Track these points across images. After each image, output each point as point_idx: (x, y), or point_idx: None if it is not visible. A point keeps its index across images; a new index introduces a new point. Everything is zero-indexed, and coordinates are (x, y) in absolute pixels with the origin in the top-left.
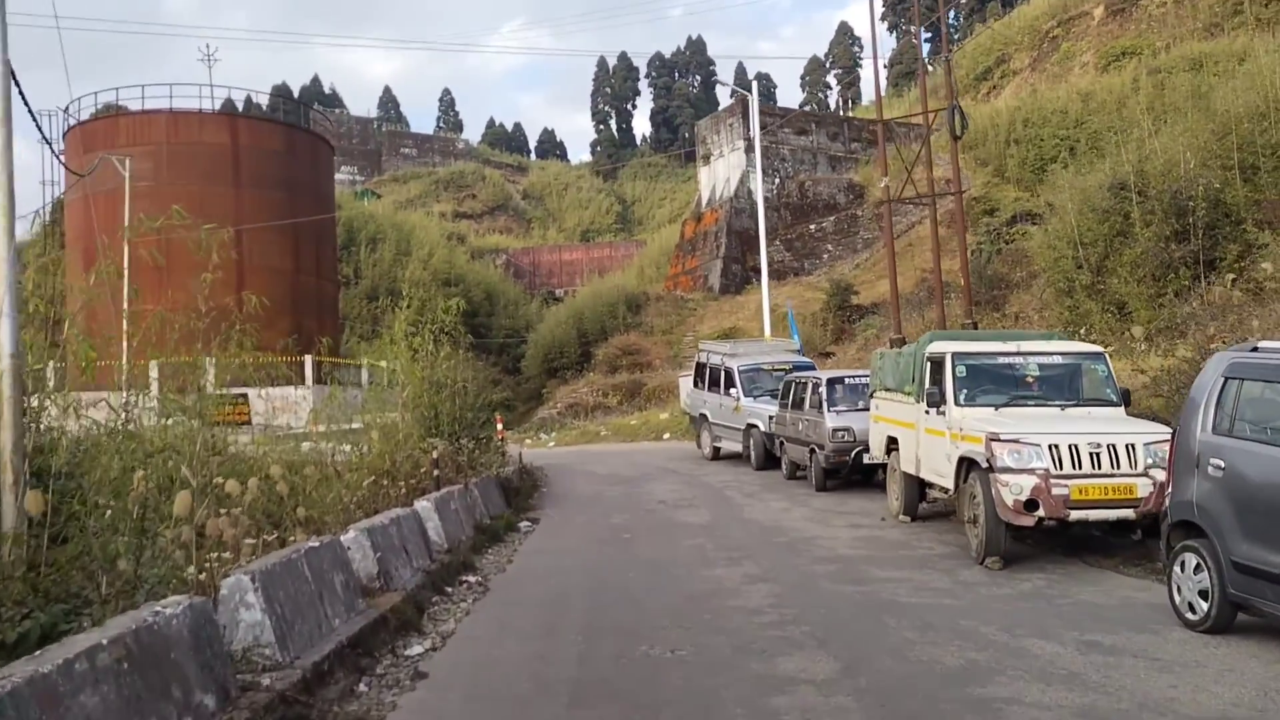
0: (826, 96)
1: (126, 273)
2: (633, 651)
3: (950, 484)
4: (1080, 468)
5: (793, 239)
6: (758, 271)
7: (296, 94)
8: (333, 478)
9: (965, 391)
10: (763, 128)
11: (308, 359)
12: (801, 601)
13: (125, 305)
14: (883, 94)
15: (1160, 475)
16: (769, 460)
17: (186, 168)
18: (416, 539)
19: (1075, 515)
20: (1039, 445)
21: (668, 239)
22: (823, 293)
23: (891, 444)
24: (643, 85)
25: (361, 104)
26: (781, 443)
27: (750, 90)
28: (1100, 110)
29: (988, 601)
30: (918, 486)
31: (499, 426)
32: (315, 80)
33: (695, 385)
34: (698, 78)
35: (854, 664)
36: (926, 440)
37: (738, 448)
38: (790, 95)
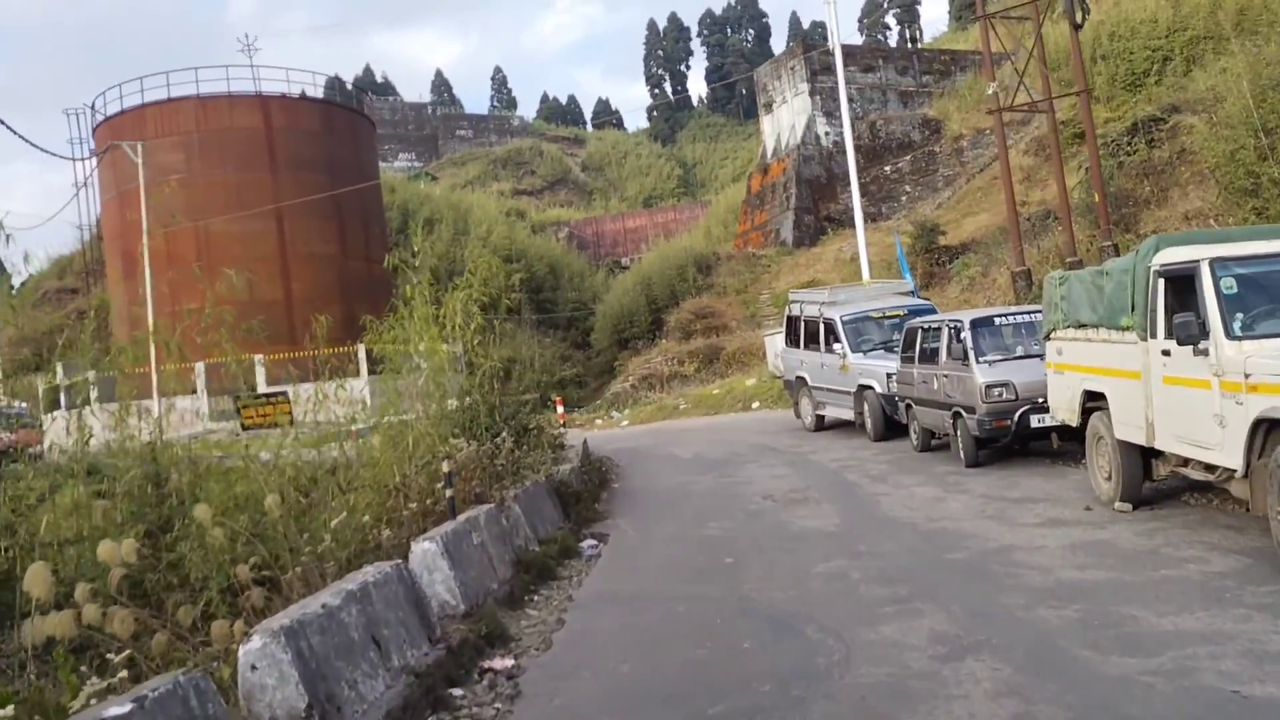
0: (887, 38)
1: (148, 271)
2: None
3: (1231, 459)
4: None
5: (866, 183)
6: (832, 221)
7: (350, 85)
8: (328, 500)
9: (1241, 317)
10: (825, 68)
11: (361, 348)
12: (1073, 708)
13: (149, 306)
14: (946, 28)
15: None
16: (890, 428)
17: (219, 155)
18: (402, 615)
19: None
20: None
21: (734, 197)
22: (906, 235)
23: (1091, 401)
24: (695, 45)
25: (414, 90)
26: (908, 406)
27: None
28: (1195, 14)
29: None
30: (1141, 460)
31: (560, 410)
32: (367, 70)
33: (788, 344)
34: (751, 32)
35: None
36: (1168, 394)
37: (847, 415)
38: (849, 40)
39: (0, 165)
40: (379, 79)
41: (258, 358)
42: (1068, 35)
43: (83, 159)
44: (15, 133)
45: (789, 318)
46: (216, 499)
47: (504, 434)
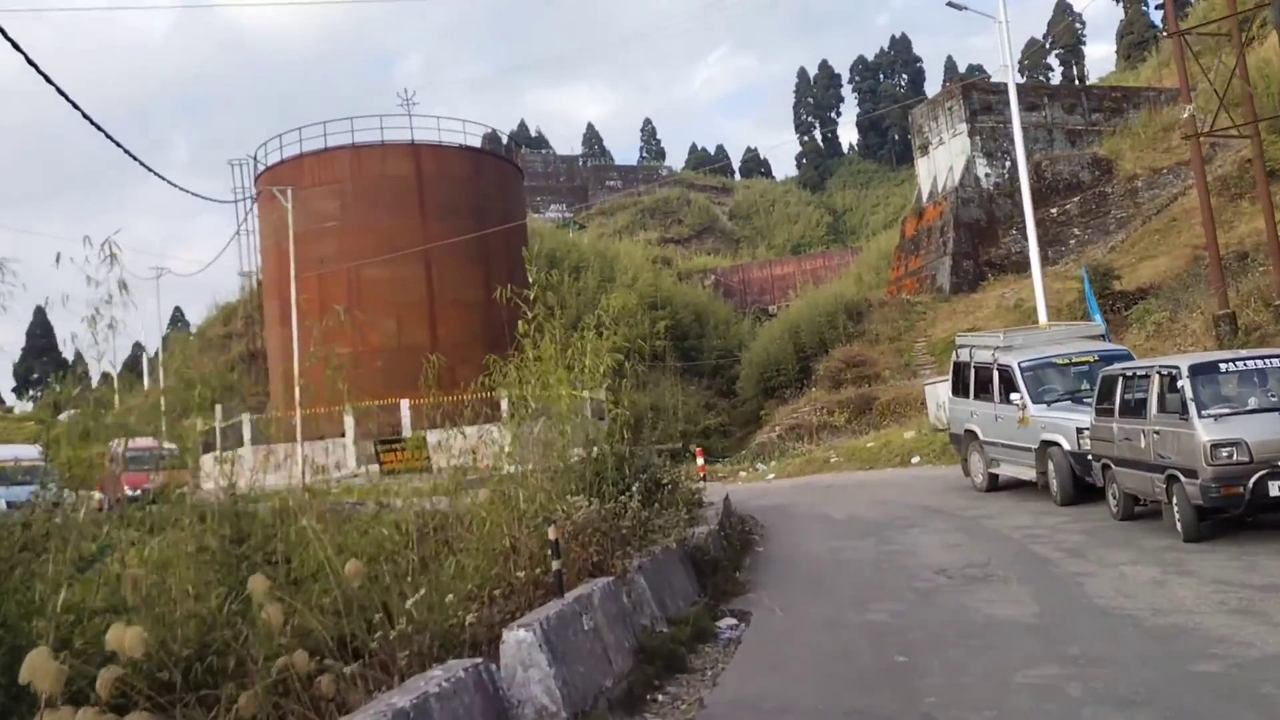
0: (1049, 79)
1: (295, 316)
2: None
3: None
4: None
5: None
6: (993, 266)
7: (505, 140)
8: (425, 565)
9: None
10: (985, 107)
11: (504, 393)
12: None
13: (295, 351)
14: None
15: None
16: (1080, 491)
17: (372, 201)
18: None
19: None
20: None
21: (886, 243)
22: (1076, 280)
23: None
24: (846, 92)
25: (565, 143)
26: (1105, 466)
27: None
28: None
29: None
30: None
31: (699, 462)
32: (521, 125)
33: (955, 393)
34: (904, 76)
35: None
36: None
37: (1025, 474)
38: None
39: (185, 221)
40: (533, 133)
41: (404, 402)
42: (1254, 66)
43: (237, 200)
44: (164, 178)
45: (956, 364)
46: (302, 558)
47: (633, 490)
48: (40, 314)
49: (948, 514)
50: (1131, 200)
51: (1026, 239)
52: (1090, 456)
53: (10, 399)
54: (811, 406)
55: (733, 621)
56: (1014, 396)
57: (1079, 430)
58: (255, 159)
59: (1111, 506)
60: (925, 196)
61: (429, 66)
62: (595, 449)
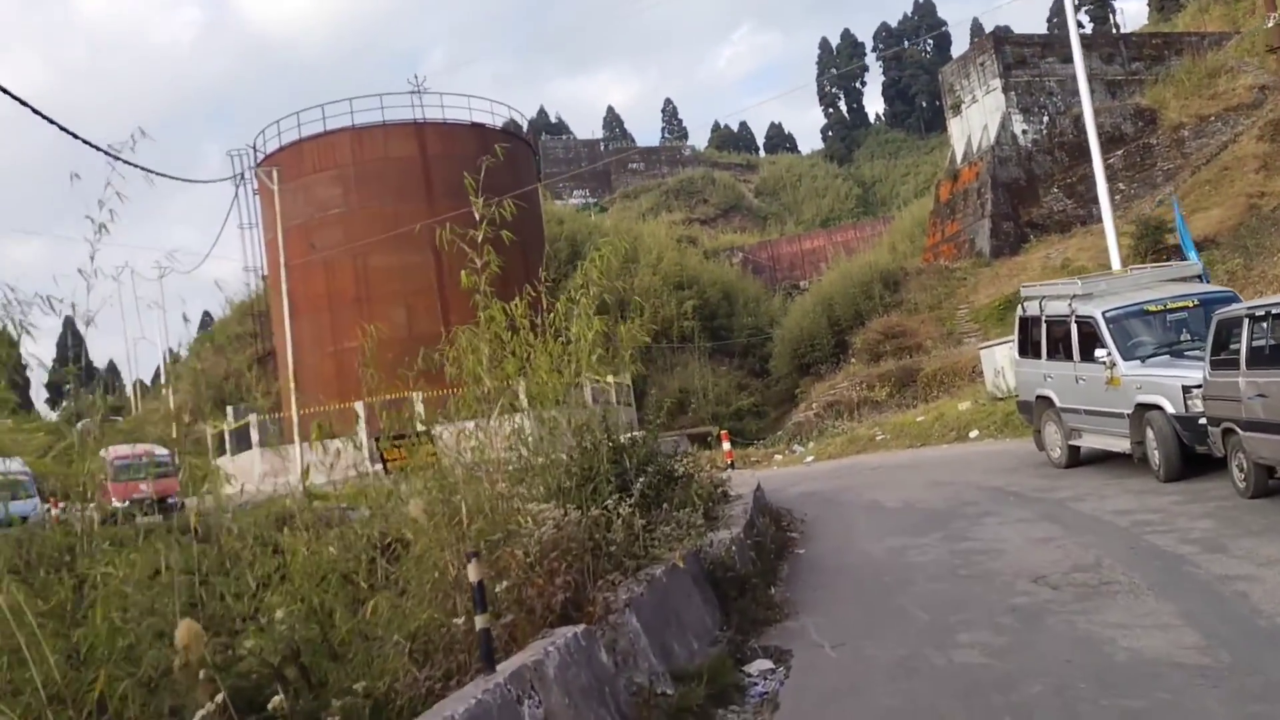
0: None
1: (286, 307)
2: None
3: None
4: None
5: (1073, 183)
6: (1035, 227)
7: (525, 127)
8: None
9: None
10: (1019, 61)
11: (521, 383)
12: None
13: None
14: (1145, 21)
15: None
16: (1185, 464)
17: (376, 186)
18: None
19: None
20: None
21: (919, 211)
22: (1127, 237)
23: None
24: (870, 60)
25: (586, 128)
26: (1229, 431)
27: None
28: None
29: None
30: None
31: (725, 447)
32: (541, 112)
33: (1021, 354)
34: (929, 42)
35: None
36: None
37: (1116, 445)
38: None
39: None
40: (553, 119)
41: (416, 395)
42: None
43: (236, 189)
44: (134, 164)
45: (1023, 319)
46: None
47: (634, 489)
48: (70, 324)
49: (1026, 497)
50: (1178, 150)
51: (1069, 198)
52: (1204, 420)
53: (45, 410)
54: (850, 382)
55: (767, 665)
56: (1099, 353)
57: (1186, 389)
58: (255, 148)
59: (1237, 481)
60: (960, 158)
61: (451, 64)
62: (587, 439)
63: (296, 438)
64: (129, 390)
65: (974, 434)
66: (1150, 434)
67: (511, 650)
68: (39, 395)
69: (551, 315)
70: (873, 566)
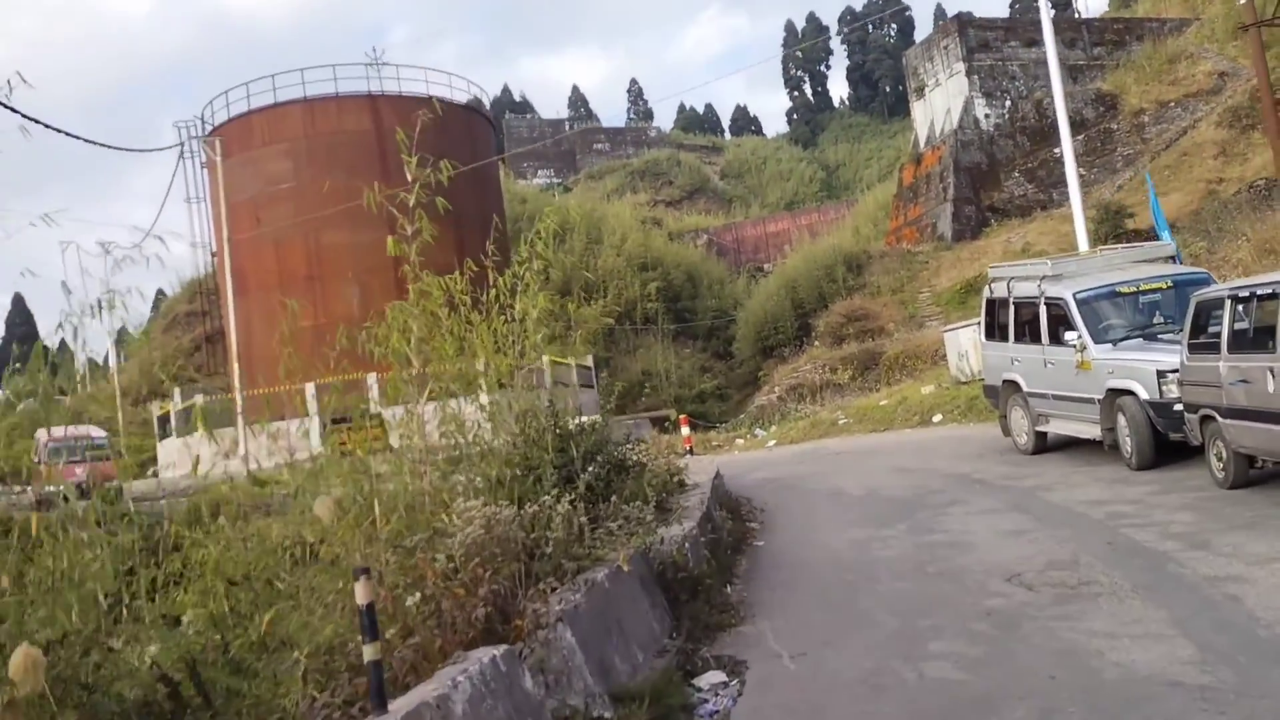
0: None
1: (229, 285)
2: None
3: None
4: None
5: (1034, 167)
6: (996, 211)
7: (488, 103)
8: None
9: None
10: (982, 44)
11: (459, 364)
12: None
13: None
14: (1106, 7)
15: None
16: (1157, 452)
17: (328, 160)
18: None
19: None
20: None
21: (883, 194)
22: (1088, 221)
23: None
24: (835, 44)
25: (551, 108)
26: (1207, 419)
27: None
28: None
29: None
30: None
31: (684, 432)
32: (505, 90)
33: (988, 336)
34: (894, 26)
35: None
36: None
37: (1085, 431)
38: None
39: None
40: (517, 98)
41: (371, 376)
42: None
43: (180, 159)
44: (65, 132)
45: (989, 301)
46: None
47: (579, 481)
48: (20, 302)
49: (993, 485)
50: (1138, 136)
51: (1030, 182)
52: (1181, 406)
53: None
54: (813, 364)
55: (719, 678)
56: (1069, 336)
57: (1160, 374)
58: (203, 119)
59: (1215, 470)
60: (923, 142)
61: (415, 39)
62: (531, 425)
63: (240, 421)
64: (79, 368)
65: (937, 418)
66: (1122, 420)
67: (420, 678)
68: None
69: (494, 291)
70: (835, 562)
